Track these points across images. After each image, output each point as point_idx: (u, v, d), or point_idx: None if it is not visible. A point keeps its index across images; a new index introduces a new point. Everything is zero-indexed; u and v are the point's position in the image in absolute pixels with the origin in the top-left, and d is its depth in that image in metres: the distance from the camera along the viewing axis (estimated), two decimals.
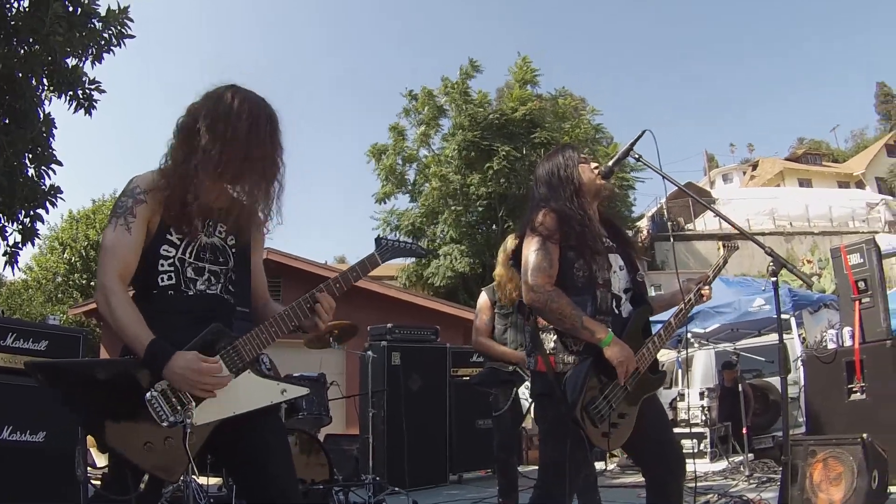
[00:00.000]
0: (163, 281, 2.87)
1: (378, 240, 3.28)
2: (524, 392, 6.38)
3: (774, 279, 3.54)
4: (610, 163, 3.80)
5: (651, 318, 3.81)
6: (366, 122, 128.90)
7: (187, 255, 2.93)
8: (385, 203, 34.36)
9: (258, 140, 2.96)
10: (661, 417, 3.85)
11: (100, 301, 2.74)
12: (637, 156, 3.63)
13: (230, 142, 2.89)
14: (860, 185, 55.90)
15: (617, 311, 3.63)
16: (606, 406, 3.38)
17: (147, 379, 2.67)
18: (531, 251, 3.55)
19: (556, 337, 3.55)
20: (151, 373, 2.67)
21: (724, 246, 4.33)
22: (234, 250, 3.10)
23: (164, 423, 2.65)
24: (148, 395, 2.64)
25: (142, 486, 2.89)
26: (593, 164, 3.85)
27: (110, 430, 2.67)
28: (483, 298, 6.76)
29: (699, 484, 7.84)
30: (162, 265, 2.88)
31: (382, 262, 3.25)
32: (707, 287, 4.06)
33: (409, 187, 34.24)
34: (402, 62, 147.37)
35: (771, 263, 3.50)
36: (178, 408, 2.68)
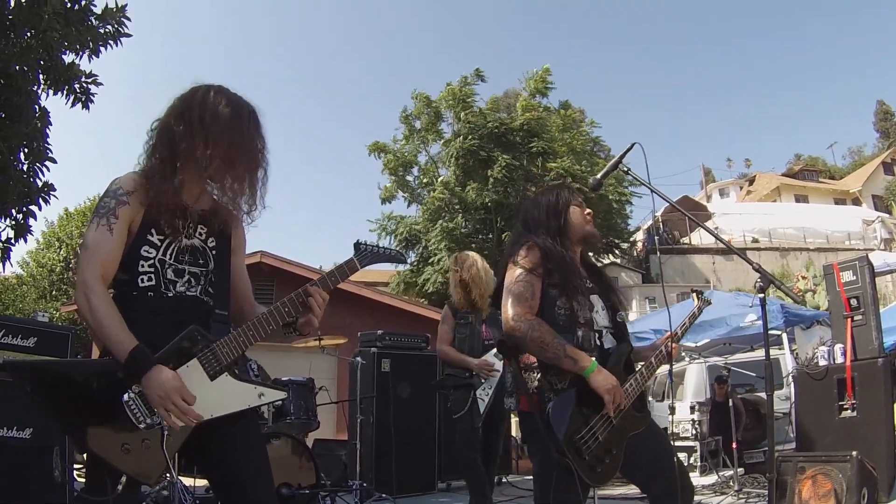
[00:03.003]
0: (143, 282, 2.87)
1: (357, 245, 3.27)
2: (481, 393, 6.58)
3: (762, 295, 3.53)
4: (598, 175, 3.79)
5: None
6: (370, 123, 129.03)
7: (168, 256, 2.93)
8: (390, 203, 34.67)
9: (240, 135, 2.96)
10: (658, 443, 3.76)
11: (80, 300, 2.71)
12: (626, 168, 3.61)
13: (212, 138, 2.89)
14: (857, 202, 56.03)
15: (599, 343, 3.59)
16: (592, 437, 3.29)
17: (124, 381, 2.65)
18: (513, 282, 3.53)
19: (539, 375, 3.50)
20: (129, 377, 2.65)
21: (698, 297, 4.33)
22: (214, 252, 3.09)
23: (142, 425, 2.63)
24: (125, 396, 2.63)
25: (119, 487, 2.88)
26: (587, 210, 3.87)
27: (87, 432, 2.64)
28: (446, 309, 7.20)
29: None
30: (142, 266, 2.87)
31: (361, 267, 3.23)
32: (675, 345, 3.96)
33: (410, 192, 34.36)
34: (413, 65, 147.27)
35: (759, 280, 3.49)
36: (155, 410, 2.66)
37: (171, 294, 2.91)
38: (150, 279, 2.87)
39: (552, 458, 3.33)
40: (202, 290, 3.01)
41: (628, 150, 3.62)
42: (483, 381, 6.70)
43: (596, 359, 3.40)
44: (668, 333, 3.97)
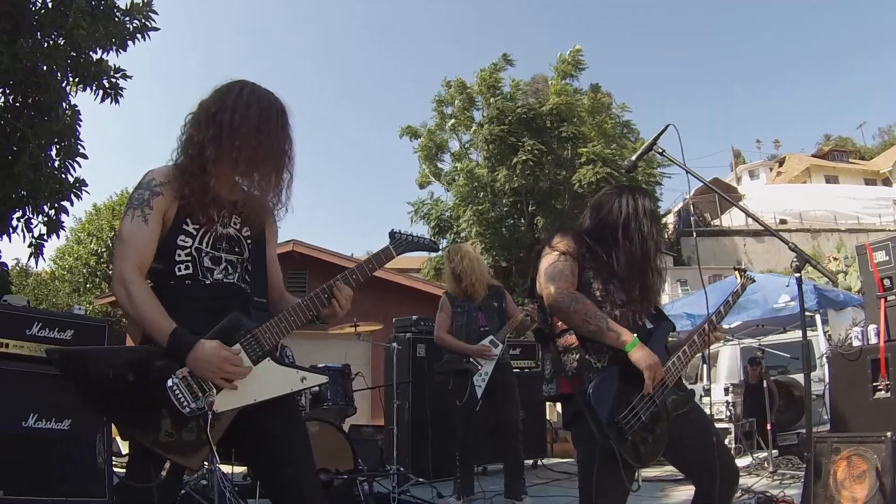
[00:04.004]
0: (180, 270, 2.91)
1: (392, 233, 3.35)
2: (477, 380, 7.23)
3: (798, 275, 3.52)
4: (633, 157, 3.79)
5: None
6: (398, 112, 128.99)
7: (204, 244, 2.97)
8: (424, 189, 34.82)
9: (269, 131, 3.00)
10: (700, 425, 3.72)
11: (118, 291, 2.76)
12: (661, 150, 3.61)
13: (242, 133, 2.93)
14: (887, 182, 55.30)
15: (641, 323, 3.56)
16: (634, 417, 3.27)
17: (168, 366, 2.69)
18: (550, 263, 3.52)
19: (577, 356, 3.45)
20: (173, 360, 2.69)
21: (741, 275, 4.28)
22: (249, 241, 3.14)
23: (186, 410, 2.67)
24: (169, 381, 2.67)
25: (163, 473, 2.93)
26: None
27: (131, 418, 2.69)
28: (443, 299, 7.81)
29: None
30: (179, 255, 2.91)
31: (397, 254, 3.31)
32: (718, 331, 3.94)
33: (444, 176, 34.41)
34: (446, 54, 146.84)
35: (795, 259, 3.49)
36: (200, 395, 2.69)
37: (208, 281, 2.95)
38: (187, 268, 2.92)
39: (595, 444, 3.30)
40: (239, 278, 3.04)
41: (662, 131, 3.62)
42: (479, 366, 7.31)
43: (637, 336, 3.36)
44: (711, 313, 3.92)
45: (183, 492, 6.43)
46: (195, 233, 2.96)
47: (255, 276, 3.12)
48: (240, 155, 2.94)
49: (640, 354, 3.28)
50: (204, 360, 2.67)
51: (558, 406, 13.80)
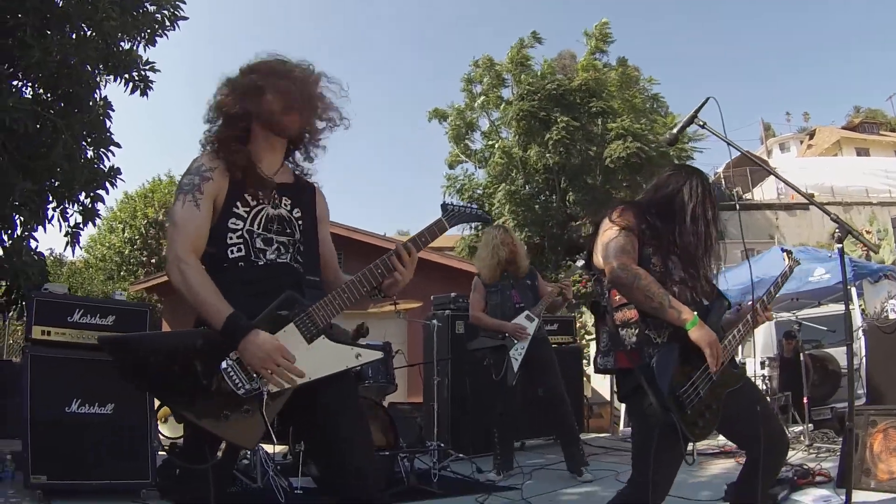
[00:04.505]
0: (232, 253, 2.93)
1: (444, 206, 3.30)
2: (514, 353, 7.36)
3: (840, 245, 3.53)
4: (675, 130, 3.82)
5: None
6: (424, 93, 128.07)
7: (255, 226, 2.99)
8: (454, 169, 34.68)
9: (309, 93, 3.08)
10: (752, 397, 3.77)
11: (173, 274, 2.79)
12: (702, 122, 3.62)
13: (283, 94, 3.00)
14: None
15: (699, 300, 3.58)
16: (694, 392, 3.33)
17: (222, 349, 2.72)
18: (612, 238, 3.54)
19: (637, 331, 3.50)
20: (227, 344, 2.72)
21: (789, 256, 4.27)
22: (300, 222, 3.16)
23: (241, 392, 2.71)
24: (224, 363, 2.70)
25: (219, 454, 2.99)
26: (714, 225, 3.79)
27: (186, 401, 2.72)
28: (476, 281, 7.94)
29: None
30: (231, 238, 2.93)
31: (450, 227, 3.27)
32: (769, 310, 3.96)
33: (475, 154, 34.32)
34: (472, 34, 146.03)
35: (836, 230, 3.50)
36: (254, 375, 2.72)
37: (261, 262, 2.97)
38: (239, 250, 2.94)
39: (650, 418, 3.37)
40: (292, 258, 3.06)
41: (703, 104, 3.61)
42: (515, 342, 7.44)
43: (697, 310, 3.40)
44: (759, 297, 3.94)
45: None
46: (246, 215, 2.99)
47: (308, 255, 3.14)
48: (284, 113, 3.02)
49: (700, 333, 3.31)
50: (256, 348, 2.69)
51: (593, 381, 13.86)
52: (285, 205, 3.13)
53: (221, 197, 2.96)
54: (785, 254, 4.24)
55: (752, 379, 10.97)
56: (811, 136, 63.41)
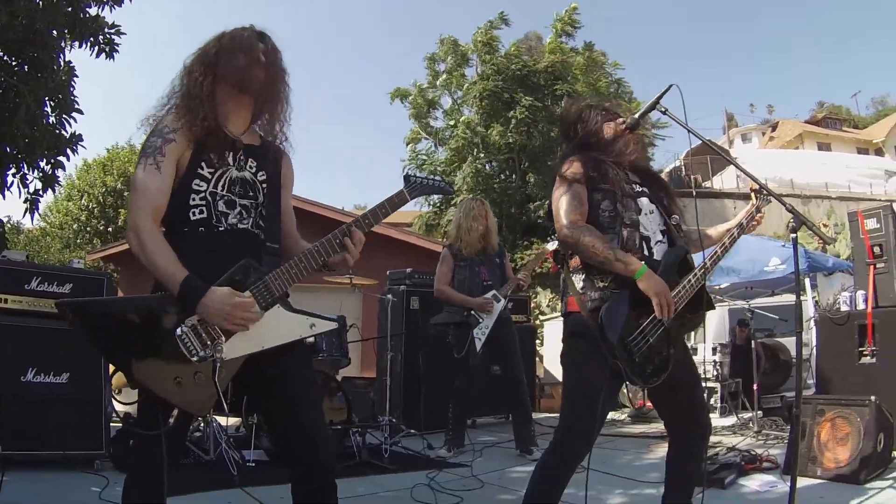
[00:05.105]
0: (194, 215, 2.92)
1: (407, 177, 3.31)
2: (477, 332, 7.33)
3: (795, 235, 3.55)
4: (637, 115, 3.82)
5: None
6: (390, 69, 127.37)
7: (219, 188, 2.97)
8: (415, 145, 34.57)
9: (269, 59, 3.10)
10: (691, 372, 3.88)
11: (131, 240, 2.77)
12: (663, 109, 3.63)
13: (247, 58, 3.02)
14: (879, 152, 55.26)
15: (648, 253, 3.62)
16: (643, 340, 3.39)
17: (177, 314, 2.72)
18: (560, 195, 3.61)
19: (584, 276, 3.58)
20: (182, 308, 2.72)
21: (757, 196, 4.19)
22: (264, 185, 3.14)
23: (194, 358, 2.71)
24: (178, 330, 2.70)
25: (171, 421, 2.98)
26: (619, 119, 3.87)
27: (141, 367, 2.70)
28: (445, 252, 7.87)
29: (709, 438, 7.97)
30: (193, 199, 2.92)
31: (411, 198, 3.29)
32: (760, 214, 4.05)
33: (435, 135, 34.22)
34: (442, 11, 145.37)
35: (791, 220, 3.52)
36: (208, 343, 2.72)
37: (222, 228, 2.95)
38: (201, 212, 2.92)
39: (580, 361, 3.54)
40: (253, 223, 3.05)
41: (666, 91, 3.62)
42: (480, 319, 7.42)
43: (645, 262, 3.46)
44: (729, 226, 4.05)
45: None
46: (210, 177, 2.97)
47: (269, 221, 3.12)
48: (245, 75, 3.03)
49: (648, 283, 3.37)
50: (215, 306, 2.70)
51: (546, 362, 13.90)
52: (250, 167, 3.12)
53: (185, 158, 2.94)
54: (753, 193, 4.16)
55: (705, 364, 11.20)
56: (774, 128, 64.04)
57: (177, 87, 3.10)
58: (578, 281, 3.62)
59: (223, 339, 2.76)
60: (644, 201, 3.77)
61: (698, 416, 3.78)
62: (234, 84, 3.04)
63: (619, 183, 3.67)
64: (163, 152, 2.88)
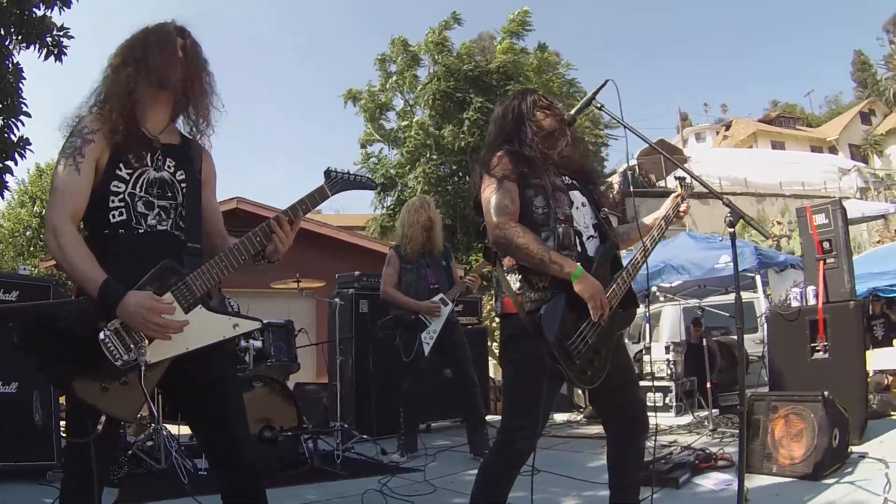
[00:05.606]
0: (114, 217, 2.88)
1: (328, 172, 3.24)
2: (425, 336, 7.27)
3: (732, 230, 3.55)
4: (572, 112, 3.78)
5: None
6: (348, 68, 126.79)
7: (137, 189, 2.94)
8: (369, 147, 34.46)
9: (188, 54, 3.08)
10: (630, 372, 3.87)
11: (50, 242, 2.74)
12: (599, 105, 3.61)
13: (165, 55, 2.99)
14: (833, 150, 55.99)
15: (581, 249, 3.60)
16: (582, 342, 3.36)
17: (100, 318, 2.67)
18: (490, 193, 3.56)
19: (520, 276, 3.53)
20: (104, 312, 2.67)
21: (682, 185, 4.17)
22: (183, 185, 3.10)
23: (118, 363, 2.64)
24: (101, 334, 2.64)
25: (99, 427, 2.90)
26: (556, 112, 3.83)
27: (66, 372, 2.66)
28: (391, 253, 7.77)
29: (664, 437, 7.96)
30: (112, 201, 2.88)
31: (332, 194, 3.21)
32: (685, 204, 4.01)
33: (387, 137, 34.13)
34: (392, 12, 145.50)
35: (728, 215, 3.52)
36: (132, 346, 2.67)
37: (142, 230, 2.91)
38: (121, 214, 2.89)
39: (529, 363, 3.44)
40: (173, 224, 3.02)
41: (601, 86, 3.60)
42: (428, 323, 7.35)
43: (578, 260, 3.45)
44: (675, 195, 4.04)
45: (130, 452, 6.45)
46: (128, 177, 2.93)
47: (190, 221, 3.08)
48: (164, 71, 2.99)
49: (583, 285, 3.35)
50: (133, 311, 2.64)
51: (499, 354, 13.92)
52: (168, 167, 3.08)
53: (104, 159, 2.90)
54: (678, 181, 4.16)
55: (659, 363, 11.22)
56: (728, 127, 64.67)
57: (98, 86, 3.06)
58: (514, 281, 3.56)
59: (146, 342, 2.71)
60: (576, 194, 3.75)
61: (638, 415, 3.79)
62: (153, 81, 3.00)
63: (550, 177, 3.64)
64: (82, 153, 2.84)
